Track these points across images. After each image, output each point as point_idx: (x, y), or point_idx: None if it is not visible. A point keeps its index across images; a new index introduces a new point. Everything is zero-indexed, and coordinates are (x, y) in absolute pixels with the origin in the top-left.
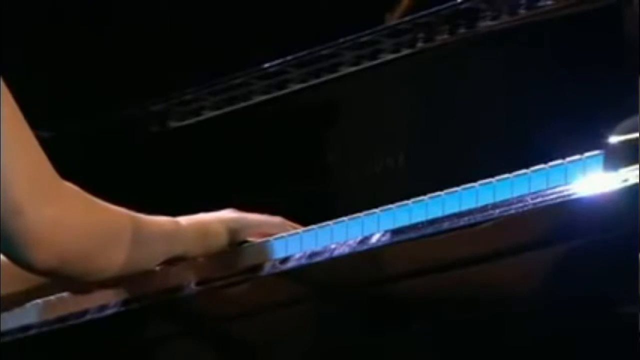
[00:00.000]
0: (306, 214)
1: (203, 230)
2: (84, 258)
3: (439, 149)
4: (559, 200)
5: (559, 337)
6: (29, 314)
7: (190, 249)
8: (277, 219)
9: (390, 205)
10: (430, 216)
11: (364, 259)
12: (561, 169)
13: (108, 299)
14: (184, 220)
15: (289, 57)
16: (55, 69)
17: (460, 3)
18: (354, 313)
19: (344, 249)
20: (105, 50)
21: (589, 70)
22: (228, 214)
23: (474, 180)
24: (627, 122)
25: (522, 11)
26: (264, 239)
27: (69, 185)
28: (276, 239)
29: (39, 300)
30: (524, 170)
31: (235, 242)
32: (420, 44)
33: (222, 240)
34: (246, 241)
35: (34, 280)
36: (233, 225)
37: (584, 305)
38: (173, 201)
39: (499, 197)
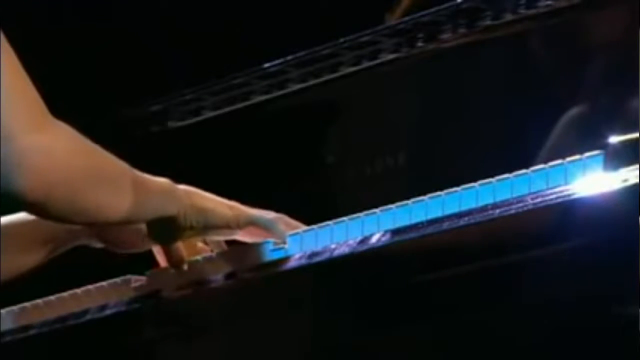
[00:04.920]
0: (306, 214)
1: (199, 199)
2: (72, 194)
3: (439, 149)
4: (559, 200)
5: (560, 337)
6: (28, 314)
7: (183, 212)
8: (275, 217)
9: (390, 205)
10: (430, 216)
11: (364, 259)
12: (561, 169)
13: (108, 299)
14: (184, 187)
15: (289, 57)
16: (55, 69)
17: (461, 3)
18: (354, 313)
19: (344, 249)
20: (105, 50)
21: (589, 70)
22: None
23: (474, 180)
24: (627, 122)
25: (522, 11)
26: (263, 240)
27: (61, 122)
28: None
29: (39, 301)
30: (524, 170)
31: (232, 228)
32: (420, 44)
33: (218, 218)
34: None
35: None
36: (230, 209)
37: (584, 305)
38: None
39: (499, 197)
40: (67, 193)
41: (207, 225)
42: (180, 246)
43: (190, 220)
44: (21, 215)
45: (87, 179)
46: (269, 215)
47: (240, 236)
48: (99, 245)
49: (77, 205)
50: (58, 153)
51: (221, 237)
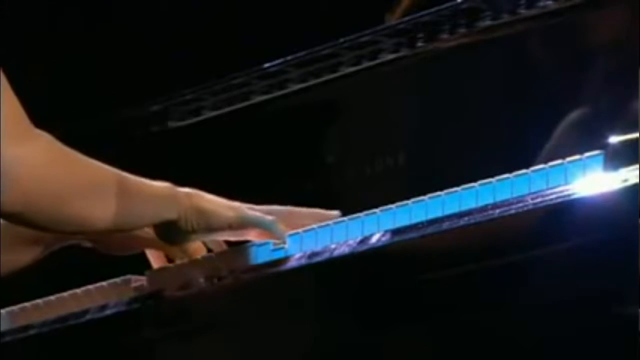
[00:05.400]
0: None
1: (200, 201)
2: (51, 204)
3: (439, 149)
4: (559, 200)
5: (560, 337)
6: (28, 314)
7: (184, 216)
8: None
9: (390, 205)
10: (430, 216)
11: (364, 259)
12: (561, 169)
13: (108, 299)
14: (186, 190)
15: (289, 57)
16: (55, 69)
17: (461, 3)
18: (354, 313)
19: (344, 249)
20: (106, 50)
21: (589, 70)
22: (236, 203)
23: (474, 180)
24: (627, 122)
25: (522, 11)
26: (263, 240)
27: (43, 132)
28: None
29: (39, 301)
30: (524, 170)
31: (234, 229)
32: (420, 44)
33: (219, 220)
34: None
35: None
36: (231, 210)
37: (584, 305)
38: None
39: (499, 197)
40: (47, 204)
41: (209, 227)
42: (190, 247)
43: (192, 223)
44: None
45: (67, 189)
46: (279, 208)
47: (244, 237)
48: (88, 245)
49: (58, 215)
50: (37, 164)
51: (226, 238)
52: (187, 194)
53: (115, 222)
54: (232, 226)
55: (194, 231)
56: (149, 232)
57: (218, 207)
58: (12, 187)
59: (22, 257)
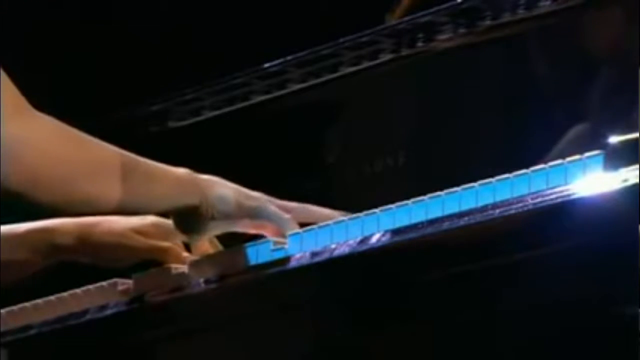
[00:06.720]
0: None
1: (220, 187)
2: (58, 184)
3: (439, 149)
4: (559, 200)
5: (559, 337)
6: (28, 314)
7: (205, 202)
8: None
9: (390, 205)
10: (430, 216)
11: (364, 259)
12: (561, 169)
13: (108, 299)
14: (206, 177)
15: (289, 57)
16: (56, 69)
17: (461, 3)
18: (354, 313)
19: (344, 249)
20: (106, 50)
21: (589, 70)
22: (257, 193)
23: (474, 180)
24: (627, 122)
25: (522, 11)
26: (263, 240)
27: (44, 115)
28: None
29: (39, 300)
30: (524, 170)
31: (253, 219)
32: (420, 44)
33: (242, 209)
34: (249, 240)
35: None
36: (255, 202)
37: (584, 305)
38: None
39: (499, 197)
40: (54, 182)
41: (229, 215)
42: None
43: (213, 210)
44: (2, 229)
45: (75, 168)
46: (295, 204)
47: (261, 230)
48: (85, 260)
49: (66, 194)
50: (41, 142)
51: (244, 230)
52: (208, 180)
53: (135, 203)
54: (251, 216)
55: (213, 219)
56: (147, 241)
57: (239, 195)
58: (19, 166)
59: (11, 273)
